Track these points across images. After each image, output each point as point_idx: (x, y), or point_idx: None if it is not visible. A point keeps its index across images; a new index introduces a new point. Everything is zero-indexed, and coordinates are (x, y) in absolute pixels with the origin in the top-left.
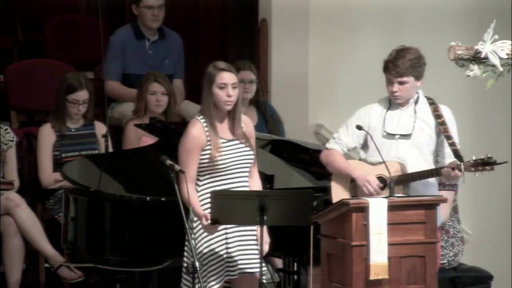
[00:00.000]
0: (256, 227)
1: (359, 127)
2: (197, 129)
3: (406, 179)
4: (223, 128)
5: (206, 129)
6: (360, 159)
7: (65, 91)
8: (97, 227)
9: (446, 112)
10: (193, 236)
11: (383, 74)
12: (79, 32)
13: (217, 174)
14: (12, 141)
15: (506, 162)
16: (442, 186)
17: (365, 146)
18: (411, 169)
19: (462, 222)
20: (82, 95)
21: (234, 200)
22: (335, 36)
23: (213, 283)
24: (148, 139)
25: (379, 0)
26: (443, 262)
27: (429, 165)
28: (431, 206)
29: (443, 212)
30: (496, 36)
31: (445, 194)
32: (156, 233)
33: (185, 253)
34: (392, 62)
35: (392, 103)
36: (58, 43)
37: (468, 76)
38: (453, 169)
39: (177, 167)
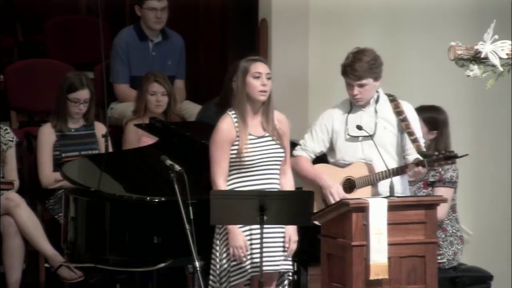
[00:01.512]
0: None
1: (359, 127)
2: (227, 124)
3: (372, 180)
4: (255, 124)
5: (236, 124)
6: (329, 162)
7: (67, 90)
8: (97, 227)
9: (407, 108)
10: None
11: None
12: (79, 32)
13: (244, 170)
14: (12, 141)
15: (467, 155)
16: (441, 183)
17: (331, 150)
18: (379, 169)
19: (463, 222)
20: (84, 94)
21: (234, 200)
22: (335, 36)
23: (238, 281)
24: (148, 139)
25: (379, 0)
26: (442, 261)
27: (397, 163)
28: (431, 206)
29: (440, 210)
30: (496, 36)
31: (444, 191)
32: (156, 233)
33: (213, 255)
34: (349, 66)
35: (353, 105)
36: (58, 43)
37: (468, 76)
38: (416, 165)
39: (177, 167)
